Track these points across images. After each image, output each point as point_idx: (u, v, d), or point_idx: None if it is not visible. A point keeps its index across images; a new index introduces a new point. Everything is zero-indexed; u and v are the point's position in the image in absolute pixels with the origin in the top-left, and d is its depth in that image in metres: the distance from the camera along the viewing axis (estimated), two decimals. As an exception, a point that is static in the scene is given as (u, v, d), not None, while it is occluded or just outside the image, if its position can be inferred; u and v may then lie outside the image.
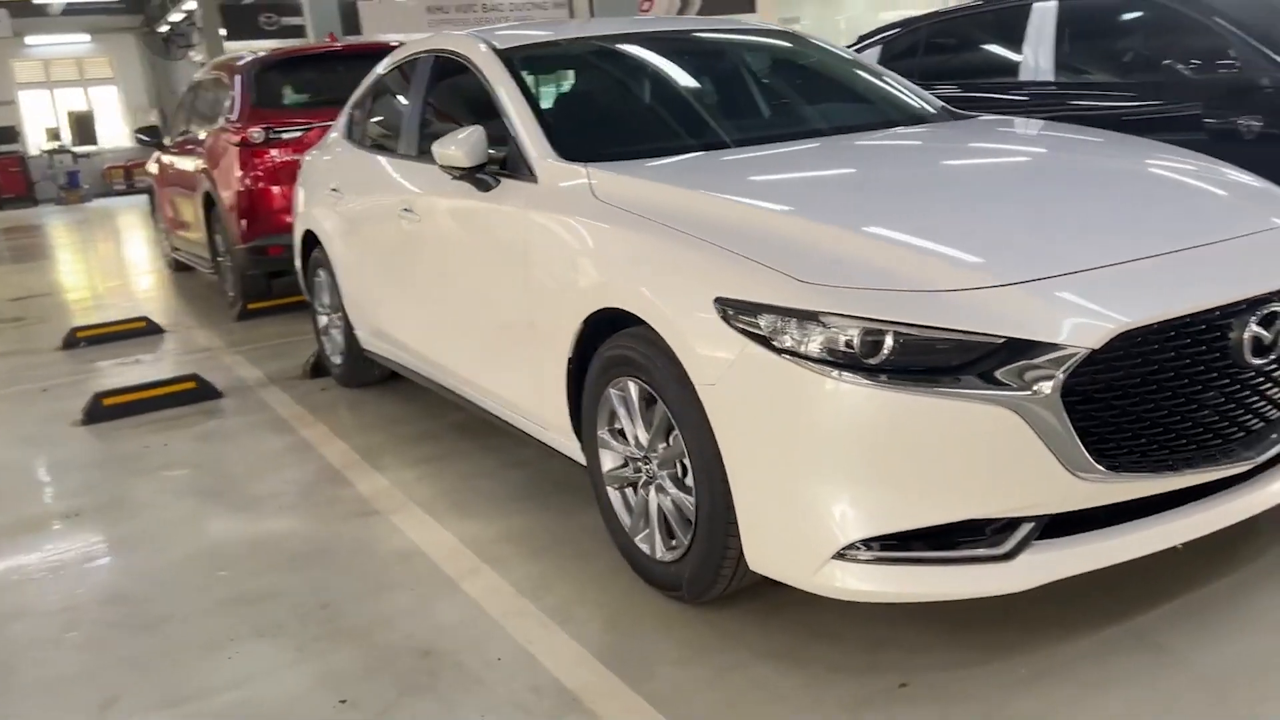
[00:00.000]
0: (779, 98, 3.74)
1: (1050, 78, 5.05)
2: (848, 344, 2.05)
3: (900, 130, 3.34)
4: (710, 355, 2.22)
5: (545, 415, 3.05)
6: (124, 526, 3.54)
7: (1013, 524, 2.09)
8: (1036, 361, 1.99)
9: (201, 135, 7.47)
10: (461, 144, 3.12)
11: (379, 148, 4.36)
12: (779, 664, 2.32)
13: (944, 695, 2.15)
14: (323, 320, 5.13)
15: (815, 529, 2.12)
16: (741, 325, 2.17)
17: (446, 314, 3.55)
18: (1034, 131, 3.43)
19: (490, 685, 2.35)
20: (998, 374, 2.00)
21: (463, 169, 3.16)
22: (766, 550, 2.24)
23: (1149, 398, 2.10)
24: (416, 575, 2.94)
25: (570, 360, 2.82)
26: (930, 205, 2.50)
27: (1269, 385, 2.23)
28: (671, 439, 2.51)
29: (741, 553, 2.33)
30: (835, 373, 2.04)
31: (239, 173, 6.68)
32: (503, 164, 3.18)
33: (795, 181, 2.89)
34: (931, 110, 3.61)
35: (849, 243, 2.26)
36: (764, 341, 2.13)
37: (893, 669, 2.25)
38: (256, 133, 6.61)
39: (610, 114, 3.50)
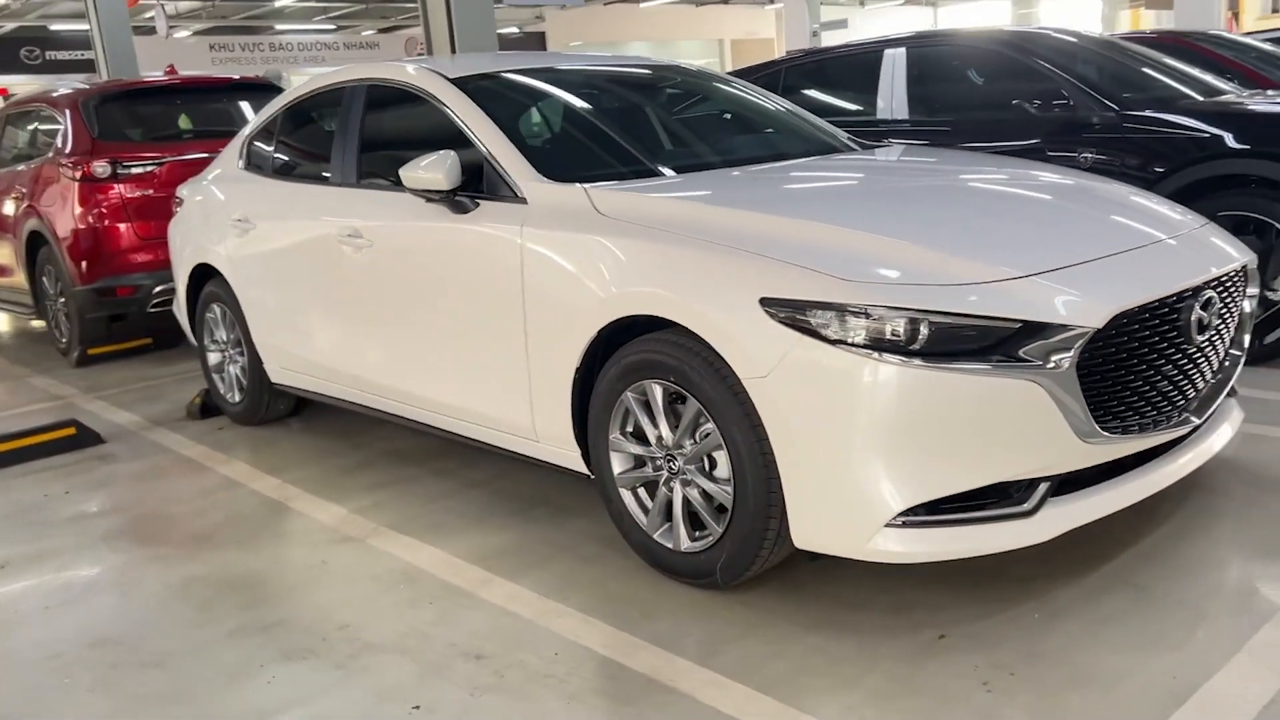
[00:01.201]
0: (720, 129, 4.02)
1: (904, 116, 5.62)
2: (893, 333, 2.32)
3: (846, 156, 3.69)
4: (759, 351, 2.43)
5: (540, 427, 3.15)
6: (69, 573, 3.32)
7: (1033, 484, 2.41)
8: (1052, 340, 2.33)
9: (21, 170, 6.99)
10: (437, 168, 3.20)
11: (301, 177, 4.31)
12: (827, 632, 2.53)
13: (981, 642, 2.43)
14: (214, 358, 4.96)
15: (867, 502, 2.36)
16: (790, 321, 2.40)
17: (409, 336, 3.58)
18: (958, 156, 3.83)
19: (560, 677, 2.44)
20: (1020, 353, 2.33)
21: (442, 192, 3.24)
22: (815, 526, 2.46)
23: (1132, 370, 2.49)
24: (428, 591, 2.97)
25: (577, 370, 2.95)
26: (920, 214, 2.83)
27: (1205, 359, 2.69)
28: (698, 435, 2.69)
29: (779, 533, 2.54)
30: (883, 358, 2.30)
31: (79, 210, 6.32)
32: (469, 187, 3.26)
33: (791, 196, 3.16)
34: (845, 140, 3.99)
35: (869, 245, 2.54)
36: (815, 334, 2.36)
37: (928, 626, 2.52)
38: (101, 167, 6.28)
39: (573, 139, 3.66)
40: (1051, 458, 2.40)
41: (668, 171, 3.34)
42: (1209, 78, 5.58)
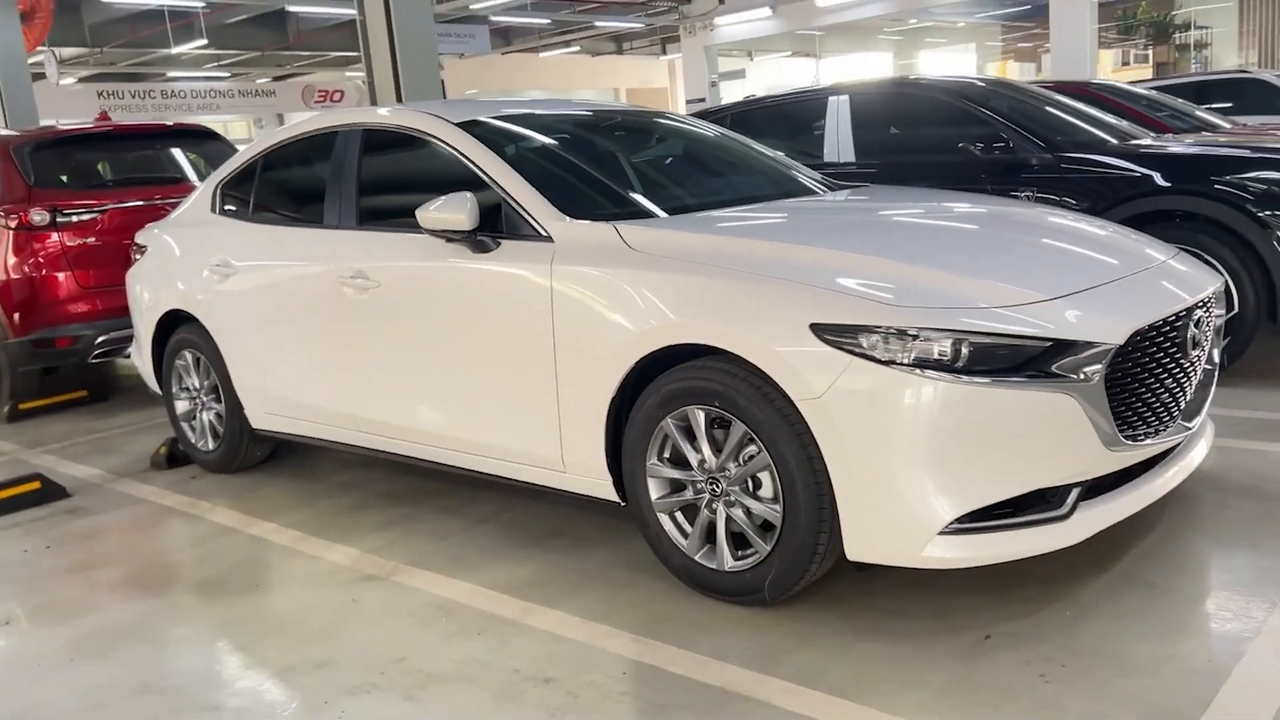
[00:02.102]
0: (712, 169, 4.19)
1: (851, 159, 5.92)
2: (939, 352, 2.51)
3: (839, 195, 3.90)
4: (812, 374, 2.59)
5: (569, 458, 3.24)
6: (84, 625, 3.24)
7: (1066, 490, 2.62)
8: (1081, 356, 2.56)
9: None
10: (459, 209, 3.28)
11: (289, 220, 4.32)
12: (878, 639, 2.68)
13: (1024, 640, 2.61)
14: (183, 406, 4.87)
15: (919, 512, 2.53)
16: (842, 345, 2.56)
17: (423, 373, 3.62)
18: (937, 194, 4.08)
19: (635, 694, 2.52)
20: (1053, 368, 2.54)
21: (463, 232, 3.32)
22: (870, 538, 2.61)
23: (1142, 382, 2.73)
24: (471, 622, 3.00)
25: (613, 400, 3.06)
26: (937, 245, 3.05)
27: (1194, 371, 2.96)
28: (742, 457, 2.83)
29: (828, 547, 2.69)
30: (931, 376, 2.49)
31: (14, 259, 6.13)
32: (483, 227, 3.35)
33: (813, 229, 3.35)
34: (823, 180, 4.22)
35: (904, 273, 2.74)
36: (866, 356, 2.53)
37: (970, 628, 2.69)
38: (39, 215, 6.11)
39: (581, 179, 3.77)
40: (1082, 465, 2.61)
41: (675, 210, 3.49)
42: (1120, 122, 6.06)
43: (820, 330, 2.59)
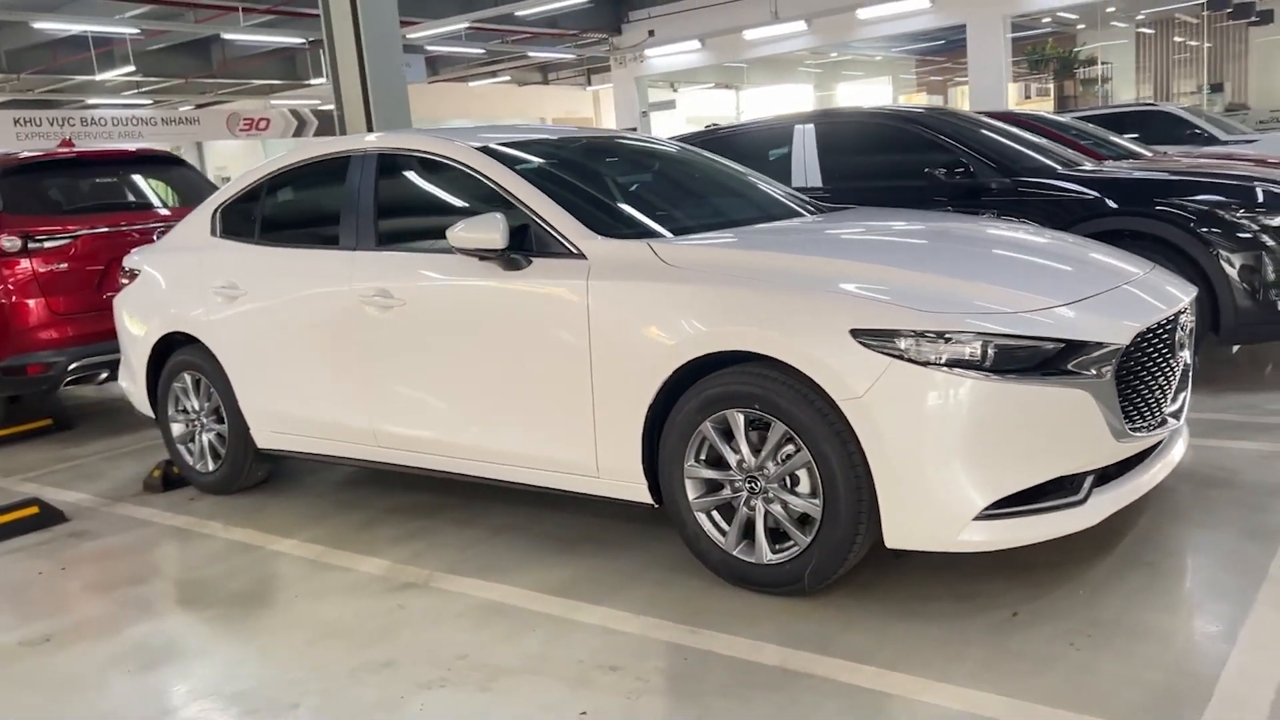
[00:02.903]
0: (716, 192, 4.41)
1: (819, 184, 6.22)
2: (970, 354, 2.76)
3: (839, 215, 4.16)
4: (854, 376, 2.81)
5: (604, 464, 3.40)
6: (129, 640, 3.28)
7: (1082, 477, 2.89)
8: (1093, 356, 2.84)
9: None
10: (492, 228, 3.44)
11: (300, 242, 4.41)
12: (914, 621, 2.90)
13: (1048, 616, 2.86)
14: (178, 429, 4.90)
15: (955, 500, 2.77)
16: (881, 348, 2.80)
17: (451, 388, 3.75)
18: (924, 215, 4.37)
19: (701, 677, 2.70)
20: (1069, 366, 2.81)
21: (498, 250, 3.48)
22: (909, 527, 2.84)
23: (1141, 379, 3.02)
24: (524, 620, 3.14)
25: (650, 407, 3.24)
26: (947, 257, 3.32)
27: (1178, 370, 3.27)
28: (780, 455, 3.03)
29: (866, 537, 2.91)
30: (965, 375, 2.74)
31: (-17, 285, 6.06)
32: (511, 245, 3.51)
33: (835, 245, 3.59)
34: (813, 202, 4.49)
35: (929, 282, 3.00)
36: (904, 358, 2.77)
37: (996, 607, 2.93)
38: (10, 241, 6.06)
39: (602, 199, 3.96)
40: (1095, 454, 2.89)
41: (691, 229, 3.69)
42: (1062, 150, 6.48)
43: (860, 335, 2.82)
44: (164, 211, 6.70)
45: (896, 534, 2.86)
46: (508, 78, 28.63)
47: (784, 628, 2.93)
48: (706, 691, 2.62)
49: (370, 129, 7.23)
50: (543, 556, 3.66)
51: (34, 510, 4.59)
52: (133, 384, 5.18)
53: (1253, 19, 22.00)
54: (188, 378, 4.80)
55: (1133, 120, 12.98)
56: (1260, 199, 5.26)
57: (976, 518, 2.78)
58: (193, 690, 2.87)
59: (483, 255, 3.55)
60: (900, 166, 6.04)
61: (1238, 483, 3.78)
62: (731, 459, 3.13)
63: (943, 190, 5.69)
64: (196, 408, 4.80)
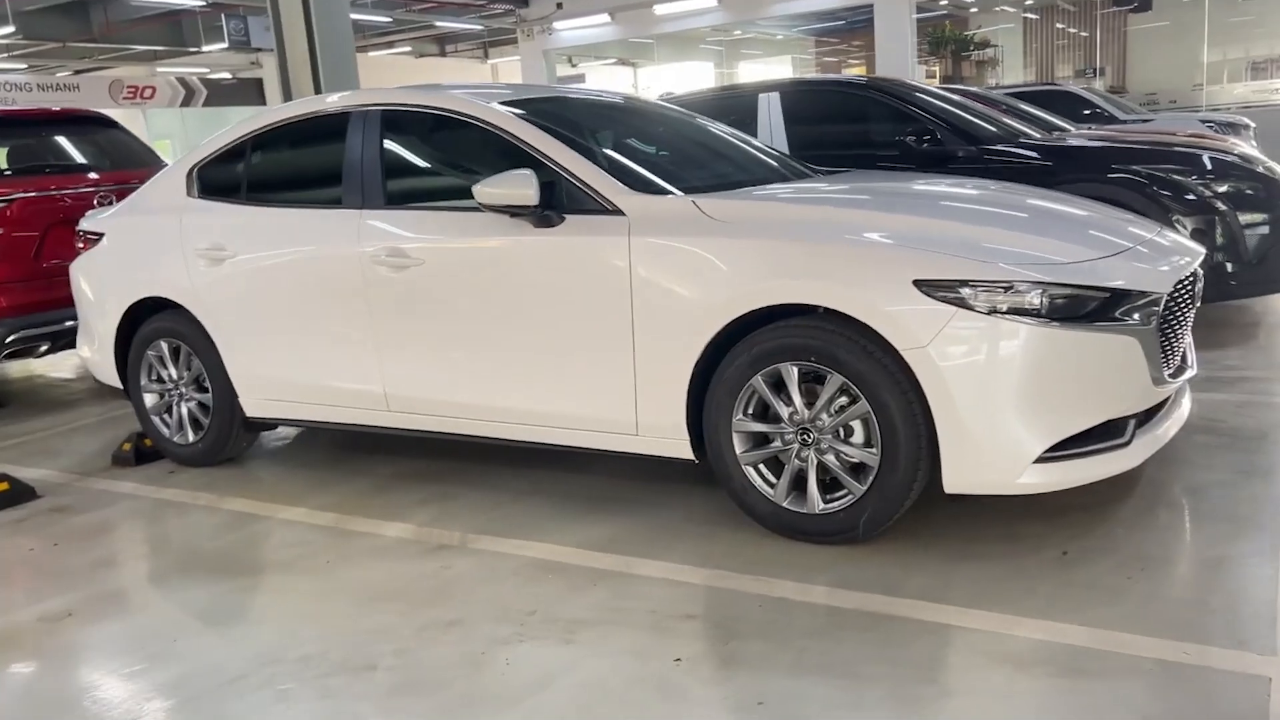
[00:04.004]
0: (723, 152, 4.42)
1: (785, 152, 6.29)
2: (1029, 302, 2.86)
3: (847, 176, 4.22)
4: (918, 325, 2.88)
5: (644, 421, 3.40)
6: (157, 611, 3.15)
7: (1126, 421, 3.03)
8: (1139, 304, 2.97)
9: None
10: (525, 184, 3.39)
11: (296, 202, 4.25)
12: (973, 563, 3.00)
13: (1097, 553, 3.00)
14: (152, 400, 4.69)
15: (1015, 444, 2.87)
16: (945, 298, 2.87)
17: (476, 348, 3.68)
18: (927, 178, 4.46)
19: (784, 623, 2.73)
20: (1117, 314, 2.94)
21: (530, 207, 3.43)
22: (969, 471, 2.93)
23: (1173, 329, 3.18)
24: (581, 576, 3.12)
25: (697, 362, 3.25)
26: (985, 213, 3.42)
27: (1191, 322, 3.45)
28: (834, 406, 3.09)
29: (921, 484, 3.00)
30: (1026, 322, 2.84)
31: (-92, 254, 5.67)
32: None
33: (871, 199, 3.63)
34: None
35: (979, 234, 3.10)
36: (968, 307, 2.85)
37: (1046, 548, 3.05)
38: (-60, 206, 5.68)
39: (632, 158, 3.91)
40: (1138, 399, 3.03)
41: (715, 187, 3.70)
42: (1012, 121, 6.71)
43: (924, 286, 2.89)
44: (101, 175, 6.35)
45: (957, 479, 2.95)
46: (408, 49, 27.94)
47: (845, 574, 2.99)
48: (794, 635, 2.66)
49: (319, 92, 6.98)
50: (573, 516, 3.64)
51: (4, 486, 4.33)
52: (97, 353, 4.92)
53: (1133, 6, 23.04)
54: (164, 345, 4.58)
55: (1037, 99, 13.43)
56: (1209, 166, 5.57)
57: (1035, 461, 2.89)
58: (256, 656, 2.77)
59: (513, 212, 3.49)
60: (868, 135, 6.18)
61: (1222, 430, 4.01)
62: (783, 411, 3.17)
63: (913, 157, 5.83)
64: (175, 377, 4.60)
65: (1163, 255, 3.28)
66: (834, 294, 3.00)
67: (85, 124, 6.88)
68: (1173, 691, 2.28)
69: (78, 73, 24.76)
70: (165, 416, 4.68)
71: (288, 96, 7.07)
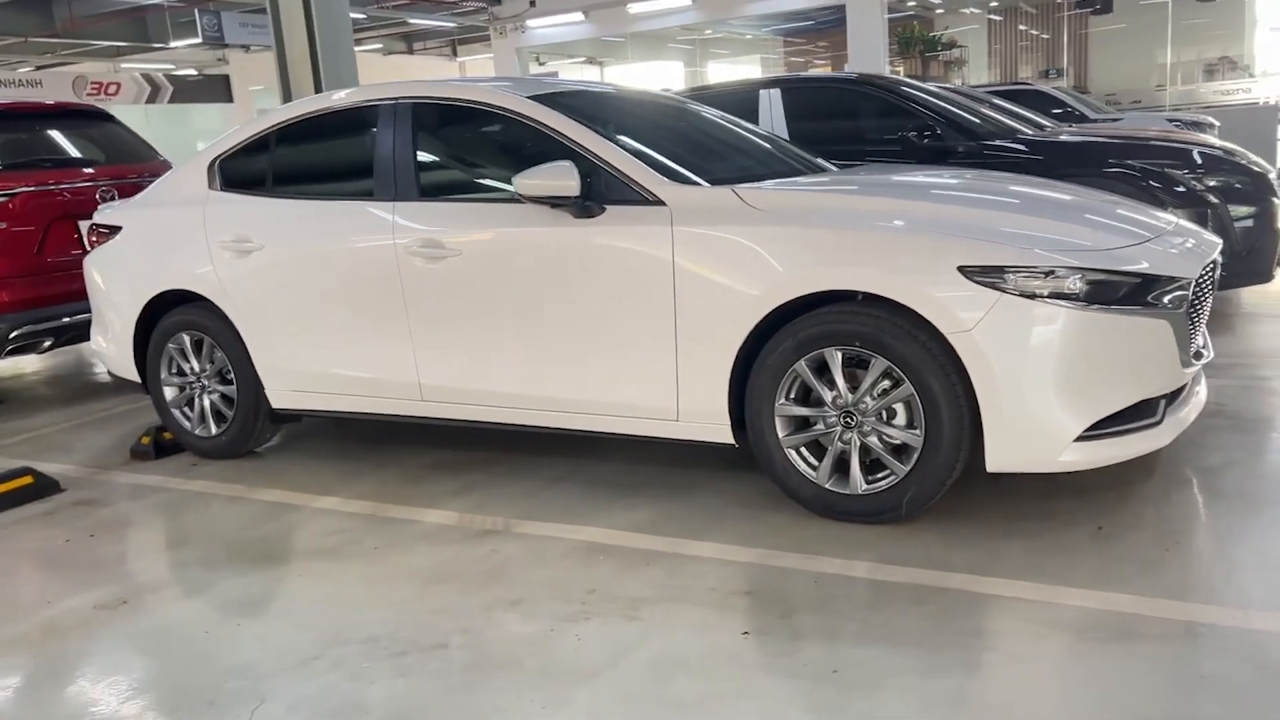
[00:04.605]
0: (745, 146, 4.50)
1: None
2: (1069, 287, 2.97)
3: (865, 166, 4.34)
4: (963, 309, 2.98)
5: (685, 407, 3.48)
6: (211, 596, 3.17)
7: (1158, 401, 3.16)
8: (1169, 289, 3.10)
9: None
10: (567, 175, 3.45)
11: (325, 194, 4.28)
12: (1016, 539, 3.11)
13: (1130, 529, 3.12)
14: (172, 393, 4.69)
15: (1057, 424, 2.99)
16: (989, 283, 2.98)
17: (515, 337, 3.73)
18: (949, 170, 4.58)
19: (843, 596, 2.82)
20: (1148, 298, 3.07)
21: (572, 198, 3.49)
22: (1012, 450, 3.03)
23: (1196, 314, 3.31)
24: (632, 557, 3.19)
25: (740, 349, 3.34)
26: (1015, 202, 3.54)
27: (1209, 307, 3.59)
28: (878, 390, 3.19)
29: (963, 464, 3.11)
30: (1067, 306, 2.95)
31: (-93, 249, 5.61)
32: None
33: (907, 190, 3.72)
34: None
35: (1017, 222, 3.22)
36: (1011, 292, 2.96)
37: (1081, 524, 3.17)
38: (-58, 200, 5.62)
39: (665, 150, 3.97)
40: (1169, 379, 3.16)
41: (745, 178, 3.78)
42: (1005, 118, 6.87)
43: (968, 272, 3.00)
44: (100, 169, 6.31)
45: (1000, 458, 3.06)
46: (378, 45, 27.77)
47: (891, 551, 3.09)
48: (853, 608, 2.75)
49: (319, 89, 6.97)
50: (609, 501, 3.70)
51: (29, 480, 4.32)
52: (113, 347, 4.91)
53: (1095, 8, 23.49)
54: (186, 338, 4.59)
55: (1010, 98, 13.75)
56: (1199, 161, 5.75)
57: (1075, 439, 3.00)
58: (322, 638, 2.81)
59: (554, 203, 3.55)
60: (870, 131, 6.30)
61: (1227, 413, 4.17)
62: (826, 395, 3.26)
63: (915, 152, 5.96)
64: (197, 369, 4.60)
65: (1186, 243, 3.41)
66: (881, 280, 3.10)
67: (82, 118, 6.84)
68: (1226, 651, 2.40)
69: (39, 68, 24.35)
70: (186, 409, 4.69)
71: (287, 94, 7.06)
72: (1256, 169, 5.85)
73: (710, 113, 4.76)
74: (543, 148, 3.73)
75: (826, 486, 3.31)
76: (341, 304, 4.12)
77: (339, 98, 4.35)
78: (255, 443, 4.60)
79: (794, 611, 2.76)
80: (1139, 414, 3.12)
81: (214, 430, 4.60)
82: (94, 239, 5.01)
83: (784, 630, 2.67)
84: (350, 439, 4.78)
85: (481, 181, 4.20)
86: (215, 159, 4.58)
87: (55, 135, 6.62)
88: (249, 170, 4.50)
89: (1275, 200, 5.73)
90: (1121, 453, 3.10)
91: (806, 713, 2.28)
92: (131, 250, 4.75)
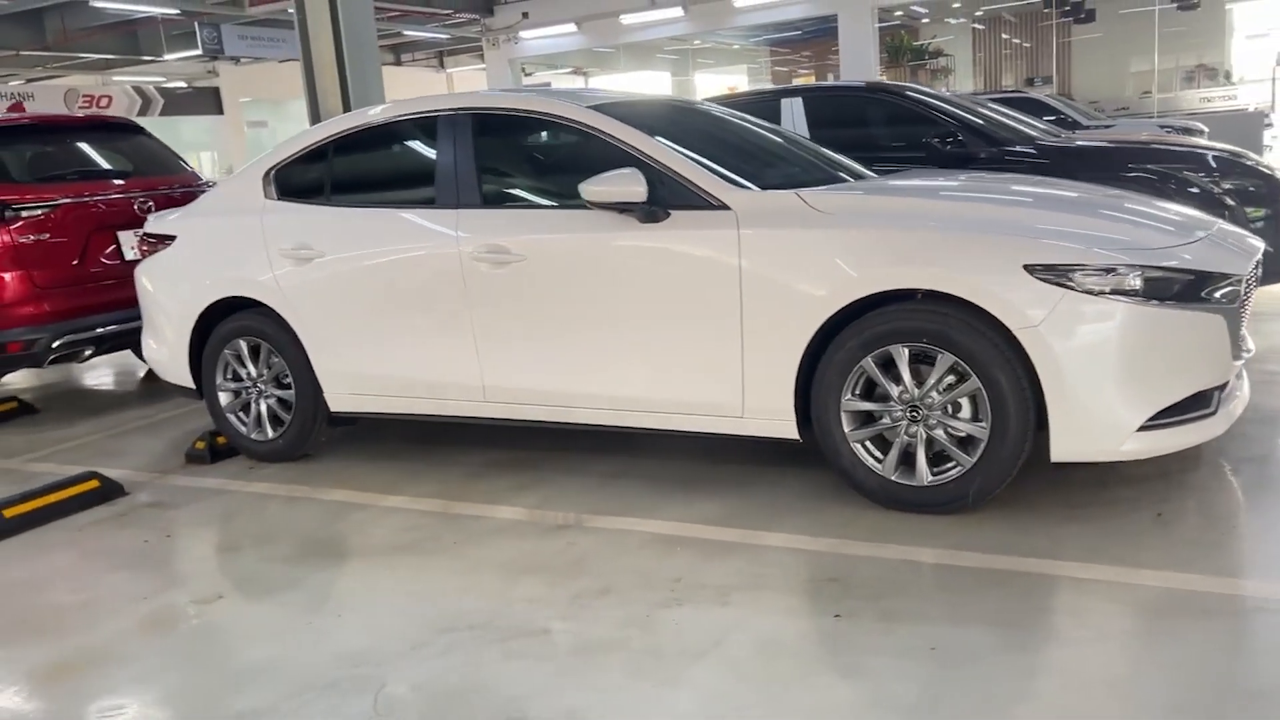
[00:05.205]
0: (789, 153, 4.63)
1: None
2: (1129, 284, 3.12)
3: (906, 172, 4.48)
4: (1030, 306, 3.12)
5: (750, 404, 3.60)
6: (304, 590, 3.27)
7: (1212, 392, 3.31)
8: (1222, 286, 3.26)
9: None
10: (635, 182, 3.58)
11: (387, 203, 4.39)
12: (1077, 524, 3.25)
13: (1189, 512, 3.28)
14: (226, 398, 4.78)
15: (1120, 415, 3.14)
16: (1055, 281, 3.12)
17: (585, 338, 3.84)
18: (987, 175, 4.74)
19: (918, 584, 2.96)
20: (1203, 294, 3.22)
21: (640, 203, 3.62)
22: (1076, 440, 3.18)
23: (1244, 310, 3.47)
24: (709, 548, 3.31)
25: (807, 347, 3.47)
26: (1067, 204, 3.69)
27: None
28: (943, 384, 3.33)
29: (1028, 454, 3.25)
30: (1129, 302, 3.10)
31: (-49, 259, 5.68)
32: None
33: (956, 194, 3.86)
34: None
35: (1076, 222, 3.37)
36: (1076, 289, 3.11)
37: (1139, 510, 3.32)
38: (-16, 210, 5.69)
39: (722, 156, 4.10)
40: (1221, 372, 3.32)
41: (801, 184, 3.90)
42: (1014, 124, 7.06)
43: (1034, 270, 3.14)
44: (134, 181, 6.38)
45: (1065, 448, 3.20)
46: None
47: (961, 539, 3.22)
48: (937, 591, 2.89)
49: (346, 102, 7.07)
50: (672, 496, 3.82)
51: (95, 484, 4.40)
52: (166, 354, 4.99)
53: (1079, 16, 23.92)
54: (243, 344, 4.68)
55: (1007, 105, 14.04)
56: (1213, 164, 5.93)
57: (1137, 429, 3.15)
58: (425, 626, 2.92)
59: (621, 208, 3.67)
60: (893, 138, 6.45)
61: (1253, 406, 4.32)
62: (893, 390, 3.40)
63: (939, 158, 6.12)
64: (254, 374, 4.69)
65: (1234, 241, 3.57)
66: (952, 279, 3.24)
67: (114, 130, 6.91)
68: (1302, 625, 2.55)
69: (30, 80, 24.31)
70: (241, 414, 4.77)
71: (314, 107, 7.15)
72: (1267, 171, 6.04)
73: (751, 121, 4.91)
74: (602, 155, 3.85)
75: (892, 479, 3.44)
76: (403, 308, 4.23)
77: (400, 110, 4.46)
78: (311, 446, 4.70)
79: (879, 596, 2.89)
80: (1195, 405, 3.27)
81: (271, 434, 4.70)
82: (144, 248, 5.10)
83: (873, 613, 2.79)
84: (398, 441, 4.87)
85: (543, 189, 4.32)
86: (270, 169, 4.68)
87: (90, 148, 6.69)
88: (307, 180, 4.60)
89: (1287, 202, 5.92)
90: (1180, 442, 3.25)
91: (916, 685, 2.41)
92: (187, 258, 4.84)
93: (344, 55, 7.02)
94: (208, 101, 26.45)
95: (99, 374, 7.43)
